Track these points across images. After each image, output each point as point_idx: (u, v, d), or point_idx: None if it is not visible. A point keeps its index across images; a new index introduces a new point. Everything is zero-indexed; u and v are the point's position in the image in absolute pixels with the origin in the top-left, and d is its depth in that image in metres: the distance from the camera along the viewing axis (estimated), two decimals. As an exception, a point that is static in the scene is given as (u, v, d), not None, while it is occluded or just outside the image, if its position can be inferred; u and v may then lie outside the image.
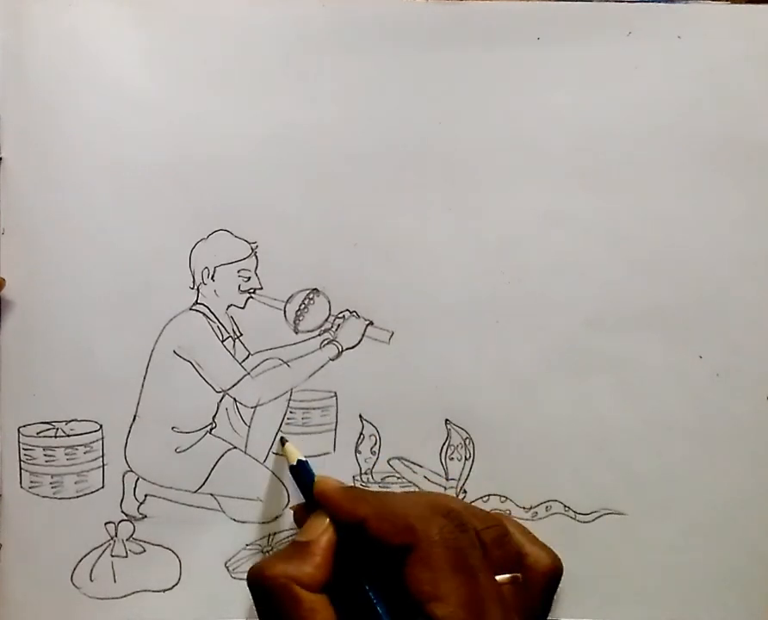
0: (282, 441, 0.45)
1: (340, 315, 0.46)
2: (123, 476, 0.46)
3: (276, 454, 0.46)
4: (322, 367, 0.46)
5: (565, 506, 0.46)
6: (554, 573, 0.41)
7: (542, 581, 0.40)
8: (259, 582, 0.36)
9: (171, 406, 0.46)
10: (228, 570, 0.46)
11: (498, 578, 0.37)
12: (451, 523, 0.36)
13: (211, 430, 0.46)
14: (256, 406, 0.46)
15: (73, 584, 0.45)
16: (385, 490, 0.41)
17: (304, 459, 0.43)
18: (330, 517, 0.38)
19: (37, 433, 0.45)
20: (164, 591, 0.46)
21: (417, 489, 0.46)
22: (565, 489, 0.46)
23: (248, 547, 0.46)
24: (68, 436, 0.45)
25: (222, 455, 0.46)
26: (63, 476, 0.45)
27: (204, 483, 0.46)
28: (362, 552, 0.37)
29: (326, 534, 0.37)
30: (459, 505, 0.39)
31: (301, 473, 0.43)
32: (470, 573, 0.35)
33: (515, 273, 0.46)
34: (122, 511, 0.46)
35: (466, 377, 0.46)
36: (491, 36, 0.45)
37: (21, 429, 0.45)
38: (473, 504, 0.45)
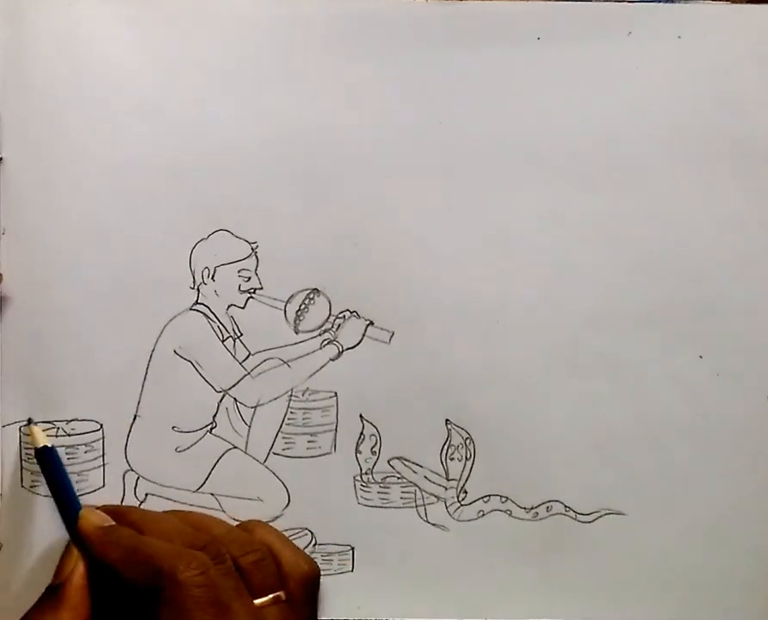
0: (30, 421, 0.44)
1: (340, 315, 0.46)
2: (123, 476, 0.46)
3: (276, 454, 0.46)
4: (322, 367, 0.46)
5: (565, 506, 0.46)
6: (313, 577, 0.41)
7: (303, 590, 0.40)
8: None
9: (172, 406, 0.46)
10: (228, 570, 0.46)
11: (257, 601, 0.38)
12: (205, 556, 0.37)
13: (211, 429, 0.46)
14: (256, 406, 0.46)
15: (73, 584, 0.46)
16: (155, 513, 0.42)
17: (50, 446, 0.42)
18: (83, 552, 0.38)
19: (37, 433, 0.45)
20: (165, 590, 0.46)
21: (417, 489, 0.46)
22: (565, 489, 0.46)
23: (248, 547, 0.46)
24: (69, 435, 0.45)
25: (222, 455, 0.46)
26: (63, 476, 0.45)
27: (204, 483, 0.46)
28: (118, 591, 0.37)
29: (77, 570, 0.38)
30: (220, 532, 0.40)
31: (49, 466, 0.42)
32: (222, 606, 0.35)
33: (515, 273, 0.46)
34: (122, 511, 0.46)
35: (466, 377, 0.46)
36: (491, 36, 0.45)
37: (21, 428, 0.45)
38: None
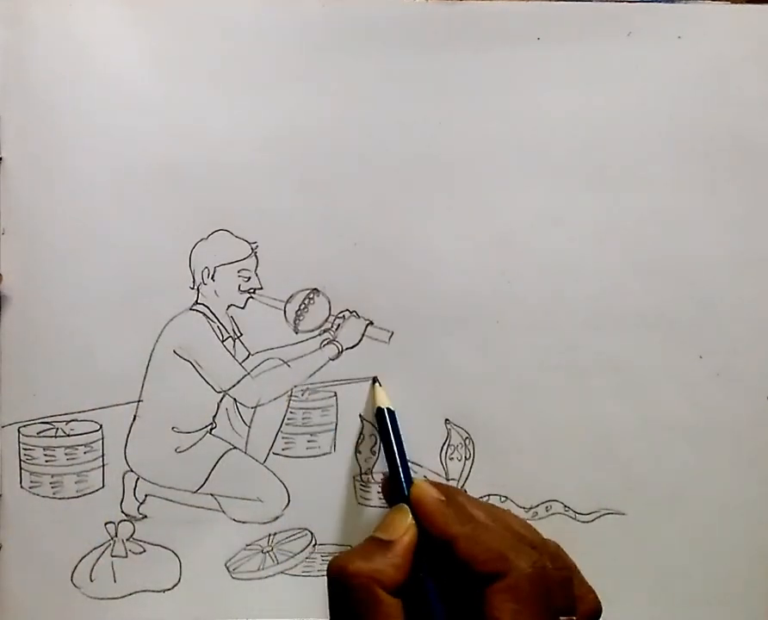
0: (375, 380, 0.46)
1: (340, 315, 0.46)
2: (123, 476, 0.46)
3: (276, 454, 0.46)
4: (322, 367, 0.46)
5: (565, 506, 0.46)
6: (598, 615, 0.40)
7: None
8: (339, 578, 0.35)
9: (171, 406, 0.46)
10: (228, 570, 0.46)
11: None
12: (543, 558, 0.35)
13: (211, 430, 0.46)
14: (256, 406, 0.46)
15: (73, 584, 0.46)
16: (479, 502, 0.40)
17: (393, 410, 0.44)
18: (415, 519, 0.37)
19: (37, 433, 0.45)
20: (164, 591, 0.46)
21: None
22: (565, 489, 0.46)
23: (248, 547, 0.46)
24: (68, 436, 0.45)
25: (222, 456, 0.46)
26: (63, 476, 0.45)
27: (204, 483, 0.46)
28: (437, 562, 0.36)
29: (409, 534, 0.36)
30: (538, 538, 0.38)
31: (386, 424, 0.43)
32: (550, 609, 0.34)
33: (515, 273, 0.46)
34: (122, 511, 0.46)
35: (466, 377, 0.46)
36: (491, 36, 0.45)
37: (21, 429, 0.45)
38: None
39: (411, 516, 0.37)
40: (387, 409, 0.43)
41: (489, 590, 0.33)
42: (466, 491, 0.46)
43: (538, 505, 0.46)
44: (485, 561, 0.34)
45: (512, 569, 0.34)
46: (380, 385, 0.45)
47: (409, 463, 0.42)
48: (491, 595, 0.33)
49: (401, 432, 0.43)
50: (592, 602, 0.39)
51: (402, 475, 0.40)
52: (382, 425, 0.43)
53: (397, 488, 0.40)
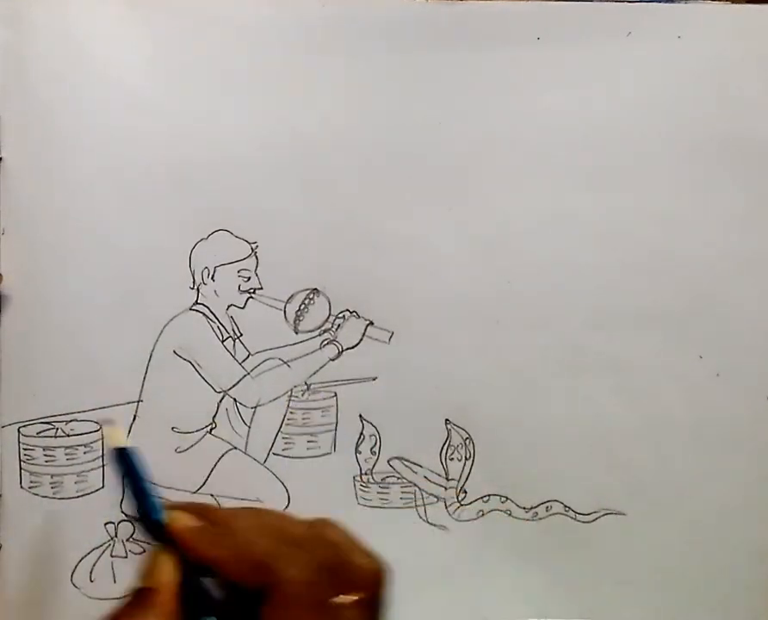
0: (106, 422, 0.42)
1: (340, 315, 0.46)
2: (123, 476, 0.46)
3: (276, 454, 0.46)
4: (322, 367, 0.46)
5: (565, 506, 0.46)
6: (383, 577, 0.39)
7: (377, 590, 0.39)
8: None
9: (171, 407, 0.46)
10: (228, 570, 0.46)
11: (338, 599, 0.35)
12: (307, 554, 0.35)
13: (211, 430, 0.46)
14: (256, 407, 0.46)
15: (73, 584, 0.45)
16: (235, 510, 0.38)
17: (129, 447, 0.37)
18: (175, 555, 0.35)
19: (37, 433, 0.45)
20: (164, 591, 0.46)
21: (417, 489, 0.46)
22: (565, 489, 0.46)
23: (248, 547, 0.46)
24: (68, 436, 0.45)
25: (222, 456, 0.46)
26: (63, 476, 0.45)
27: (204, 484, 0.46)
28: (209, 591, 0.35)
29: (169, 575, 0.35)
30: (300, 530, 0.37)
31: (129, 467, 0.37)
32: (325, 605, 0.34)
33: (515, 273, 0.46)
34: (122, 512, 0.46)
35: (466, 377, 0.46)
36: (491, 36, 0.45)
37: (21, 429, 0.45)
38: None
39: (166, 553, 0.35)
40: (126, 448, 0.37)
41: (263, 609, 0.33)
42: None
43: (538, 505, 0.46)
44: (252, 577, 0.34)
45: (280, 581, 0.33)
46: (112, 425, 0.40)
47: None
48: (265, 609, 0.33)
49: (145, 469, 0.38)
50: (369, 566, 0.37)
51: (153, 515, 0.36)
52: (124, 466, 0.37)
53: (151, 527, 0.36)
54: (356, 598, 0.35)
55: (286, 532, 0.36)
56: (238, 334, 0.46)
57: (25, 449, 0.45)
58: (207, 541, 0.35)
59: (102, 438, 0.45)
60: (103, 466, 0.46)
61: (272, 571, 0.34)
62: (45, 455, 0.45)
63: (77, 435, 0.45)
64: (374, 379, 0.46)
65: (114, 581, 0.46)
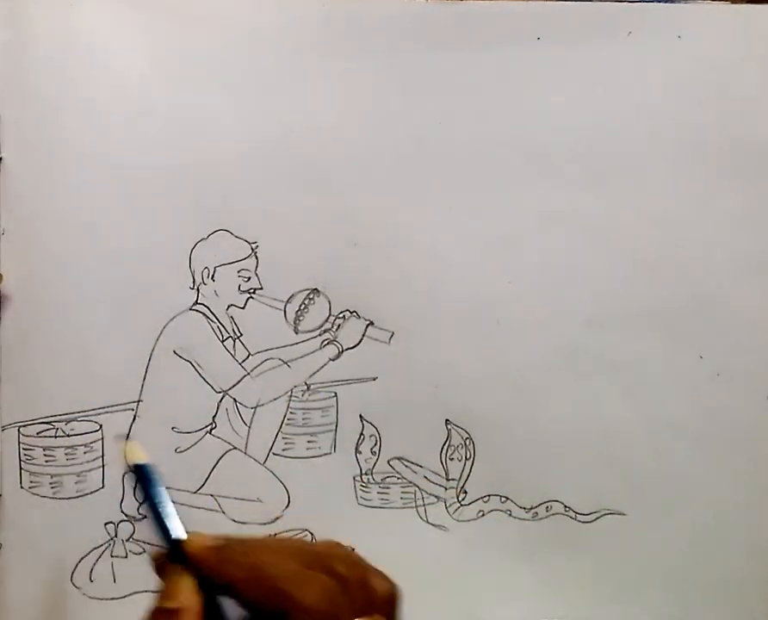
0: (124, 436, 0.42)
1: (340, 315, 0.46)
2: (123, 476, 0.46)
3: (276, 454, 0.46)
4: (322, 367, 0.46)
5: (565, 506, 0.46)
6: (398, 598, 0.40)
7: (391, 611, 0.39)
8: None
9: (171, 407, 0.46)
10: (228, 570, 0.46)
11: None
12: (325, 578, 0.34)
13: (211, 430, 0.46)
14: (256, 407, 0.46)
15: (73, 584, 0.45)
16: (254, 536, 0.38)
17: (148, 464, 0.36)
18: (195, 576, 0.34)
19: (37, 433, 0.45)
20: (164, 591, 0.46)
21: (417, 489, 0.46)
22: (565, 489, 0.46)
23: (248, 547, 0.46)
24: (68, 436, 0.45)
25: (222, 456, 0.46)
26: (63, 476, 0.45)
27: (204, 484, 0.46)
28: (228, 612, 0.34)
29: (195, 597, 0.34)
30: (336, 545, 0.37)
31: (145, 482, 0.36)
32: None
33: (515, 273, 0.46)
34: (122, 512, 0.46)
35: (466, 377, 0.46)
36: (491, 36, 0.45)
37: (21, 429, 0.45)
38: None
39: (189, 575, 0.34)
40: (145, 465, 0.36)
41: None
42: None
43: (538, 505, 0.46)
44: (268, 602, 0.33)
45: (296, 608, 0.33)
46: (130, 440, 0.39)
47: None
48: None
49: (158, 486, 0.37)
50: (385, 588, 0.37)
51: (172, 533, 0.35)
52: (142, 484, 0.37)
53: (170, 547, 0.35)
54: (375, 618, 0.35)
55: (303, 556, 0.36)
56: (238, 334, 0.46)
57: (25, 449, 0.45)
58: (227, 560, 0.35)
59: (102, 439, 0.45)
60: (103, 466, 0.45)
61: (290, 597, 0.33)
62: (45, 455, 0.45)
63: (77, 435, 0.45)
64: (374, 379, 0.46)
65: (114, 581, 0.46)
